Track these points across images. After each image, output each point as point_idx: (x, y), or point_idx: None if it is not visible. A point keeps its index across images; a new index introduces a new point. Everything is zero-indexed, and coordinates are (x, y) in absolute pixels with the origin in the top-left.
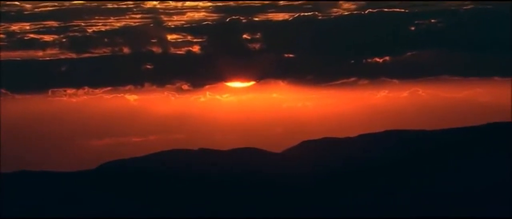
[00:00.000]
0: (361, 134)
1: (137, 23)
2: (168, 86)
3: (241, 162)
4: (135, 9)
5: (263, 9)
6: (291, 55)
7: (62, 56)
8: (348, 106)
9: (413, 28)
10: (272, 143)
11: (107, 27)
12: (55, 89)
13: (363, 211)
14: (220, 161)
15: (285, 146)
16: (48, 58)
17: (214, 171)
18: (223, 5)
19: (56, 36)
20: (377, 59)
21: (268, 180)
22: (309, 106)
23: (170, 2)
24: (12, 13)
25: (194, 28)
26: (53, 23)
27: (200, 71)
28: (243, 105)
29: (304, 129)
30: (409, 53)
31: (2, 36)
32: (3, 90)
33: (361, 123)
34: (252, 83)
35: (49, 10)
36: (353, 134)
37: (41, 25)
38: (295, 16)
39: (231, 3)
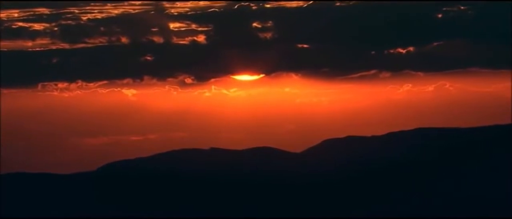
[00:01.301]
0: (388, 132)
1: (136, 10)
2: (170, 79)
3: (259, 163)
4: None
5: None
6: (305, 46)
7: (54, 47)
8: (368, 102)
9: (440, 16)
10: (290, 142)
11: (104, 15)
12: (46, 83)
13: (394, 214)
14: (235, 161)
15: (305, 145)
16: (38, 49)
17: (229, 172)
18: None
19: (47, 25)
20: (400, 50)
21: (290, 182)
22: (324, 102)
23: None
24: None
25: (199, 16)
26: (44, 10)
27: (205, 63)
28: (253, 100)
29: (324, 127)
30: (435, 43)
31: None
32: None
33: (385, 120)
34: (262, 76)
35: None
36: (379, 132)
37: (31, 13)
38: (310, 2)
39: None
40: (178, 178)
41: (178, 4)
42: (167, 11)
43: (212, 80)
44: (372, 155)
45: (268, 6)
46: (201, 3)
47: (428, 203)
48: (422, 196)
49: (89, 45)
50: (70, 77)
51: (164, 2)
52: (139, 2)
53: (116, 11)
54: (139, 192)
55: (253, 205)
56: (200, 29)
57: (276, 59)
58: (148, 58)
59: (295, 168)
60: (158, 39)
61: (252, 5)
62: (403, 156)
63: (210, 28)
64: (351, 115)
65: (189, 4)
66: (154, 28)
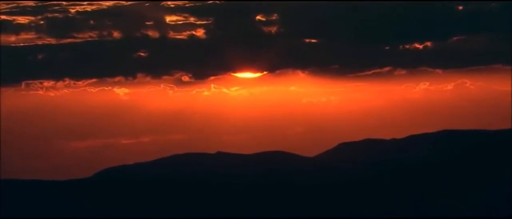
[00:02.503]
0: (410, 135)
1: (129, 2)
2: (166, 77)
3: (271, 168)
4: None
5: None
6: (313, 40)
7: (39, 42)
8: (382, 102)
9: (460, 8)
10: (301, 146)
11: (94, 7)
12: (30, 81)
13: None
14: (244, 167)
15: (318, 149)
16: (22, 44)
17: (240, 178)
18: None
19: (32, 18)
20: (417, 45)
21: (307, 189)
22: (334, 102)
23: None
24: None
25: (197, 8)
26: (29, 2)
27: (204, 60)
28: (256, 100)
29: (337, 129)
30: (455, 38)
31: None
32: None
33: (403, 122)
34: (265, 73)
35: None
36: (399, 134)
37: (14, 5)
38: None
39: None
40: (183, 184)
41: None
42: (163, 3)
43: (212, 78)
44: (393, 159)
45: None
46: None
47: (455, 210)
48: (450, 202)
49: (78, 40)
50: (57, 75)
51: None
52: None
53: (107, 3)
54: (141, 201)
55: (268, 212)
56: (198, 22)
57: (281, 55)
58: (142, 54)
59: (310, 173)
60: (153, 34)
61: None
62: (427, 159)
63: (209, 22)
64: (365, 116)
65: None
66: (148, 21)
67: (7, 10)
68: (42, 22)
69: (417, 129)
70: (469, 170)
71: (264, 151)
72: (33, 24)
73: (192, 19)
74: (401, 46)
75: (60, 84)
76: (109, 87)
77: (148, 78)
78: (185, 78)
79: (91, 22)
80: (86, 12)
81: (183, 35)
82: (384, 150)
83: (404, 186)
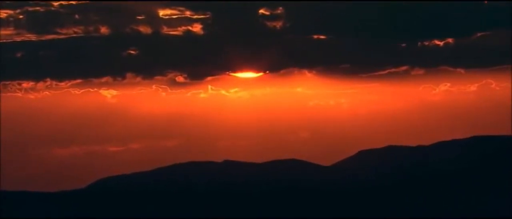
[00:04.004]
0: (437, 141)
1: None
2: (158, 78)
3: (286, 178)
4: None
5: None
6: (321, 37)
7: (18, 38)
8: (398, 105)
9: (484, 2)
10: (315, 153)
11: (79, 1)
12: (8, 82)
13: None
14: (256, 177)
15: (336, 157)
16: None
17: (252, 189)
18: None
19: (10, 12)
20: (437, 42)
21: (330, 201)
22: (344, 104)
23: None
24: None
25: (194, 1)
26: None
27: (201, 58)
28: (258, 102)
29: (353, 135)
30: (478, 34)
31: None
32: None
33: (425, 126)
34: (268, 73)
35: None
36: (424, 141)
37: None
38: None
39: None
40: (190, 196)
41: None
42: None
43: (209, 78)
44: (422, 167)
45: None
46: None
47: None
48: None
49: (61, 37)
50: (38, 75)
51: None
52: None
53: None
54: (142, 214)
55: None
56: (195, 17)
57: (286, 53)
58: (132, 52)
59: (332, 183)
60: (144, 29)
61: None
62: (459, 167)
63: (207, 16)
64: (381, 120)
65: None
66: (139, 15)
67: None
68: (21, 16)
69: (443, 135)
70: (503, 178)
71: (276, 159)
72: (11, 19)
73: (188, 13)
74: (419, 43)
75: (40, 85)
76: (95, 89)
77: (138, 79)
78: (180, 79)
79: (76, 16)
80: (70, 5)
81: (178, 31)
82: (410, 158)
83: (435, 195)
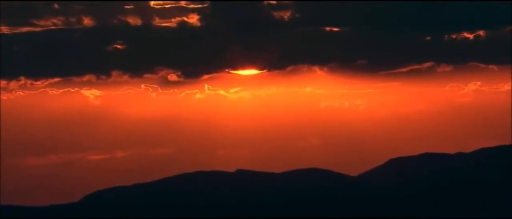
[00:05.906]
0: (479, 148)
1: None
2: (148, 76)
3: (312, 189)
4: None
5: None
6: (334, 29)
7: None
8: (422, 106)
9: None
10: (341, 162)
11: None
12: None
13: None
14: (277, 188)
15: (364, 165)
16: None
17: (273, 203)
18: None
19: None
20: (466, 35)
21: (360, 214)
22: (361, 106)
23: None
24: None
25: None
26: None
27: (197, 54)
28: (262, 104)
29: (381, 141)
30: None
31: None
32: None
33: (457, 132)
34: (272, 71)
35: None
36: (464, 147)
37: None
38: None
39: None
40: (199, 210)
41: None
42: None
43: (206, 76)
44: (466, 178)
45: None
46: None
47: None
48: None
49: (38, 29)
50: (11, 73)
51: None
52: None
53: None
54: None
55: None
56: (191, 6)
57: (294, 48)
58: (119, 46)
59: (366, 196)
60: (133, 21)
61: None
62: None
63: (205, 5)
64: (406, 124)
65: None
66: (128, 5)
67: None
68: None
69: (483, 142)
70: None
71: (295, 168)
72: None
73: (183, 3)
74: (446, 36)
75: (13, 84)
76: (76, 89)
77: (125, 77)
78: (173, 77)
79: (55, 6)
80: None
81: (171, 23)
82: (450, 167)
83: (482, 208)
